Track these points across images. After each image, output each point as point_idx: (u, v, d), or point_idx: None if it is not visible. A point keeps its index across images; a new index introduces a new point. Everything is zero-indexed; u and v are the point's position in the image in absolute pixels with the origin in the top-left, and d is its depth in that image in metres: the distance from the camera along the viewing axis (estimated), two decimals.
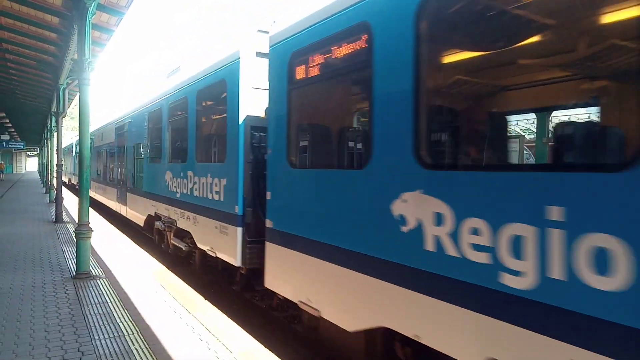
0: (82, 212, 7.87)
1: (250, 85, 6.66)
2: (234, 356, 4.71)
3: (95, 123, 23.51)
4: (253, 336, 6.08)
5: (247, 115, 6.55)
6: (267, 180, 5.75)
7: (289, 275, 5.32)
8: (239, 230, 6.49)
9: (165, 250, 10.46)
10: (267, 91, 5.95)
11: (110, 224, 16.25)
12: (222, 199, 7.01)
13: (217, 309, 7.18)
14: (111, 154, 16.80)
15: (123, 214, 14.44)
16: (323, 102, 5.66)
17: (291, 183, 5.26)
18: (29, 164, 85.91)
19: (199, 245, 7.99)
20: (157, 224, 10.51)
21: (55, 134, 16.87)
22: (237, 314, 7.03)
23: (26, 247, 10.18)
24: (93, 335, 5.12)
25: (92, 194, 20.72)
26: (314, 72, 4.90)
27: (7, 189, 30.36)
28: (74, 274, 7.76)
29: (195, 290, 8.24)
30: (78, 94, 9.84)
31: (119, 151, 15.03)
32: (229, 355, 4.72)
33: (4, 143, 38.85)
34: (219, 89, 7.43)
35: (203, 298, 7.73)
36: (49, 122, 22.89)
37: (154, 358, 4.58)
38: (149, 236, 12.17)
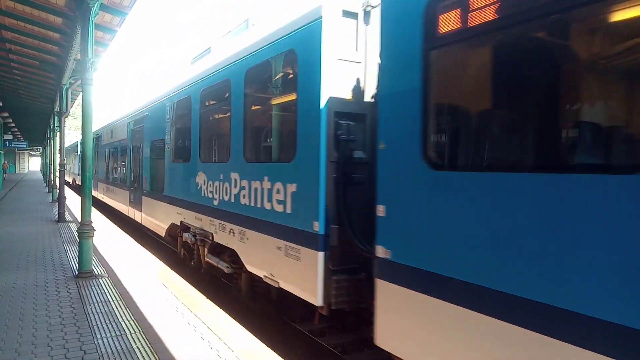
0: (85, 212, 7.90)
1: (336, 56, 4.90)
2: (236, 355, 4.73)
3: (97, 123, 23.32)
4: (255, 335, 6.10)
5: (331, 97, 4.80)
6: (378, 187, 3.99)
7: (426, 334, 3.47)
8: (320, 255, 4.76)
9: (196, 268, 8.74)
10: (359, 64, 4.90)
11: (112, 223, 16.29)
12: (289, 211, 5.31)
13: (219, 308, 7.19)
14: (123, 152, 15.17)
15: (137, 220, 12.83)
16: (502, 63, 3.37)
17: (431, 193, 3.45)
18: (32, 164, 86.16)
19: (250, 268, 6.38)
20: (186, 236, 8.70)
21: (58, 133, 16.93)
22: (239, 313, 7.05)
23: (29, 246, 10.22)
24: (95, 334, 5.14)
25: (100, 196, 19.96)
26: (482, 16, 3.16)
27: (10, 188, 30.47)
28: (77, 273, 7.80)
29: (197, 289, 8.25)
30: (81, 93, 9.86)
31: (133, 149, 13.51)
32: (231, 355, 4.73)
33: (7, 143, 38.94)
34: (283, 64, 5.79)
35: (205, 297, 7.74)
36: (51, 122, 22.95)
37: (156, 357, 4.60)
38: (172, 249, 10.69)
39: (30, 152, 72.42)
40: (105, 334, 5.15)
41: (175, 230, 9.61)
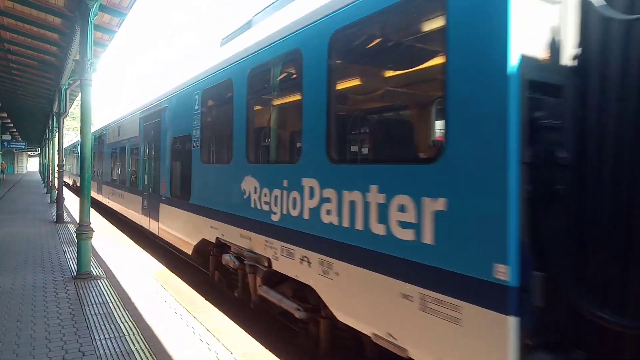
0: (83, 213, 7.88)
1: None
2: (234, 357, 4.72)
3: (100, 121, 23.05)
4: (253, 337, 6.09)
5: (524, 57, 2.92)
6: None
7: None
8: (511, 322, 2.77)
9: (240, 298, 6.97)
10: (557, 5, 3.16)
11: (111, 224, 16.27)
12: (428, 241, 3.39)
13: (217, 310, 7.18)
14: (134, 151, 13.35)
15: (152, 231, 10.85)
16: None
17: None
18: (30, 164, 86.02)
19: (343, 319, 4.36)
20: (227, 258, 6.77)
21: (57, 134, 16.90)
22: (237, 315, 7.03)
23: (27, 248, 10.19)
24: (94, 336, 5.12)
25: (104, 200, 18.32)
26: None
27: (9, 189, 30.41)
28: (75, 274, 7.78)
29: (195, 290, 8.24)
30: (80, 94, 9.85)
31: (147, 148, 11.66)
32: (230, 356, 4.72)
33: (6, 143, 38.93)
34: (422, 7, 3.82)
35: (203, 299, 7.74)
36: (50, 123, 22.92)
37: (155, 358, 4.59)
38: (204, 271, 8.97)
39: (29, 153, 72.32)
40: (104, 335, 5.14)
41: (206, 248, 7.90)
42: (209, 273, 8.08)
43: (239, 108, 6.50)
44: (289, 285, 5.49)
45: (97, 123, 22.59)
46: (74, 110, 34.39)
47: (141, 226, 12.09)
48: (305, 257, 4.86)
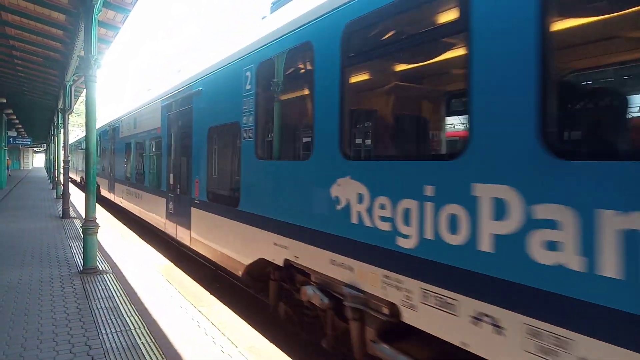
0: (89, 208, 7.94)
1: None
2: (239, 351, 4.76)
3: (109, 114, 22.78)
4: (258, 331, 6.14)
5: None
6: None
7: None
8: None
9: (315, 343, 5.45)
10: None
11: (116, 220, 16.37)
12: None
13: (222, 304, 7.24)
14: (154, 145, 11.61)
15: (182, 240, 9.09)
16: None
17: None
18: (36, 160, 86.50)
19: None
20: (310, 293, 4.95)
21: (62, 130, 16.99)
22: (242, 309, 7.08)
23: (34, 243, 10.28)
24: (100, 330, 5.18)
25: (117, 200, 16.62)
26: None
27: (15, 184, 30.62)
28: (81, 268, 7.85)
29: (200, 285, 8.30)
30: (84, 90, 9.87)
31: (173, 141, 9.89)
32: (234, 350, 4.76)
33: (11, 139, 39.08)
34: None
35: (208, 293, 7.79)
36: (55, 119, 23.04)
37: (160, 352, 4.64)
38: (261, 298, 7.26)
39: (35, 149, 72.72)
40: (110, 330, 5.19)
41: (266, 270, 6.16)
42: (269, 302, 6.21)
43: (326, 81, 4.58)
44: (426, 348, 3.74)
45: (106, 116, 21.44)
46: (79, 106, 34.51)
47: (166, 233, 10.37)
48: (486, 315, 2.96)
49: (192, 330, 5.28)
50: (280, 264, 5.44)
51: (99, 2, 7.76)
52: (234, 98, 6.71)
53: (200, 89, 8.18)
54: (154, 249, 11.57)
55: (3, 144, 26.66)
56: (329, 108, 4.53)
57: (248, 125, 6.27)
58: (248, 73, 6.36)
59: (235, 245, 6.66)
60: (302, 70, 5.55)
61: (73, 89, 15.85)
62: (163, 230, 10.49)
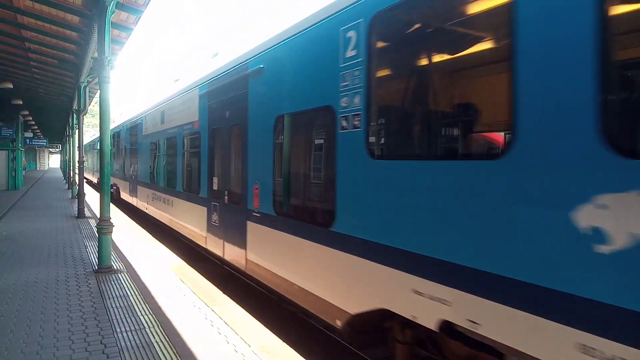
0: (104, 208, 8.03)
1: None
2: (252, 350, 4.77)
3: (120, 115, 22.39)
4: (270, 330, 6.15)
5: None
6: None
7: None
8: None
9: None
10: None
11: (131, 220, 16.53)
12: None
13: (235, 304, 7.26)
14: (191, 142, 9.77)
15: (234, 262, 7.27)
16: None
17: None
18: (52, 161, 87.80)
19: None
20: None
21: (77, 131, 17.20)
22: (255, 308, 7.10)
23: (50, 242, 10.43)
24: (115, 328, 5.23)
25: (142, 205, 14.63)
26: None
27: (31, 185, 31.11)
28: (96, 268, 7.94)
29: (213, 284, 8.34)
30: (98, 91, 9.96)
31: (218, 135, 8.07)
32: (247, 349, 4.77)
33: (28, 140, 39.70)
34: None
35: (221, 292, 7.83)
36: (70, 120, 23.33)
37: (174, 351, 4.66)
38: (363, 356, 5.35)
39: (50, 150, 73.81)
40: (125, 328, 5.24)
41: (388, 324, 4.44)
42: None
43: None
44: None
45: (126, 113, 20.39)
46: (93, 107, 34.92)
47: (207, 249, 8.50)
48: None
49: (206, 329, 5.30)
50: (433, 326, 3.51)
51: (112, 3, 7.83)
52: (321, 73, 4.94)
53: (261, 66, 6.39)
54: (168, 249, 11.66)
55: (20, 145, 27.09)
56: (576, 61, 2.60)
57: (351, 109, 4.36)
58: (351, 33, 4.45)
59: (329, 282, 4.80)
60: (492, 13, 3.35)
61: (87, 90, 16.02)
62: (203, 245, 8.64)
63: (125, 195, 18.11)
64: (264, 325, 6.31)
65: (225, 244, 7.57)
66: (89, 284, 7.08)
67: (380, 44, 4.23)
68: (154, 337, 4.99)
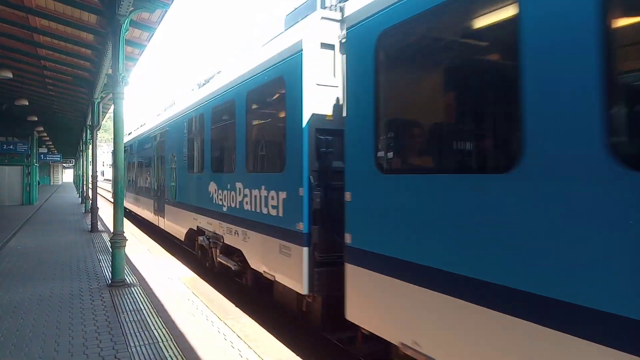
0: (117, 222, 8.10)
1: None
2: None
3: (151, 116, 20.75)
4: (284, 343, 6.12)
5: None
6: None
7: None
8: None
9: None
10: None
11: (143, 233, 16.64)
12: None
13: (248, 317, 7.25)
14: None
15: None
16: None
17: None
18: (65, 176, 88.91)
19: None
20: None
21: (90, 146, 17.43)
22: (267, 321, 7.08)
23: (64, 256, 10.53)
24: (129, 342, 5.24)
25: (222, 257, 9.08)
26: None
27: (45, 200, 31.51)
28: (110, 282, 7.98)
29: (225, 297, 8.34)
30: (112, 106, 10.11)
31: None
32: None
33: (42, 156, 40.37)
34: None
35: (234, 305, 7.82)
36: (84, 135, 23.68)
37: None
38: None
39: (64, 165, 74.78)
40: (139, 342, 5.25)
41: None
42: None
43: None
44: None
45: (157, 116, 16.49)
46: (105, 122, 35.43)
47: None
48: None
49: (219, 342, 5.29)
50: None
51: (126, 21, 7.99)
52: None
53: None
54: (180, 262, 11.70)
55: (34, 160, 27.54)
56: None
57: None
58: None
59: None
60: None
61: (101, 105, 16.30)
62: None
63: (171, 226, 12.58)
64: (278, 339, 6.27)
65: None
66: (103, 298, 7.12)
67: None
68: (168, 352, 4.99)
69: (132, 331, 5.62)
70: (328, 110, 5.67)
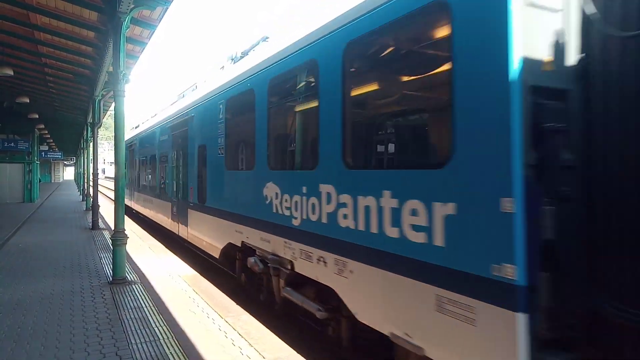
0: (118, 220, 8.11)
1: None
2: None
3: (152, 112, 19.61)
4: (284, 341, 6.12)
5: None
6: None
7: None
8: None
9: None
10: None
11: (144, 231, 16.66)
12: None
13: (248, 315, 7.25)
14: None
15: None
16: None
17: None
18: (67, 173, 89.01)
19: None
20: None
21: (91, 143, 17.43)
22: (268, 319, 7.08)
23: (65, 254, 10.54)
24: (130, 339, 5.25)
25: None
26: None
27: (46, 197, 31.54)
28: (111, 279, 8.00)
29: (226, 294, 8.35)
30: (112, 104, 10.11)
31: None
32: None
33: (43, 153, 40.38)
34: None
35: (234, 303, 7.83)
36: (85, 133, 23.70)
37: None
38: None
39: (65, 162, 74.82)
40: (139, 339, 5.26)
41: None
42: None
43: None
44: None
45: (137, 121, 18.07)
46: (106, 120, 35.43)
47: None
48: None
49: (220, 340, 5.30)
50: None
51: (127, 19, 7.99)
52: None
53: None
54: (180, 259, 11.71)
55: (36, 158, 27.55)
56: None
57: None
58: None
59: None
60: None
61: (102, 103, 16.28)
62: None
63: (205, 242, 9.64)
64: (278, 337, 6.28)
65: None
66: (104, 295, 7.13)
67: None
68: (169, 349, 5.00)
69: (133, 328, 5.63)
70: (545, 55, 3.19)
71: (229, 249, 8.15)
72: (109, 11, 8.17)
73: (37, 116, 23.38)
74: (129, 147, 20.56)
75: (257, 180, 6.77)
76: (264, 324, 6.79)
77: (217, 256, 8.84)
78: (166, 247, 13.55)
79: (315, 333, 6.63)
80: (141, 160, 17.99)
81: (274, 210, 6.19)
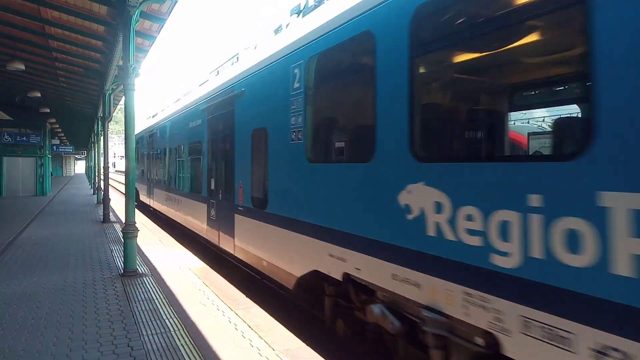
0: (129, 213, 8.18)
1: None
2: (276, 353, 4.78)
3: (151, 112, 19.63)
4: (293, 333, 6.15)
5: None
6: None
7: None
8: None
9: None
10: None
11: (154, 224, 16.79)
12: None
13: (257, 306, 7.29)
14: None
15: None
16: None
17: None
18: (78, 167, 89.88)
19: None
20: None
21: (102, 137, 17.57)
22: (277, 311, 7.12)
23: (77, 246, 10.66)
24: (141, 331, 5.31)
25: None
26: None
27: (58, 191, 31.89)
28: (122, 271, 8.08)
29: (235, 287, 8.40)
30: (123, 98, 10.14)
31: None
32: (271, 352, 4.79)
33: (55, 147, 40.82)
34: None
35: (244, 295, 7.87)
36: (95, 127, 23.88)
37: (199, 354, 4.71)
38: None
39: (76, 156, 75.56)
40: (151, 331, 5.31)
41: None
42: None
43: None
44: None
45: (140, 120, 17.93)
46: (116, 114, 35.68)
47: None
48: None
49: (230, 332, 5.34)
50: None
51: (136, 13, 8.00)
52: None
53: None
54: (190, 252, 11.80)
55: (47, 152, 27.84)
56: None
57: None
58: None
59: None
60: None
61: (112, 97, 16.38)
62: None
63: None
64: (287, 329, 6.31)
65: None
66: (115, 287, 7.21)
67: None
68: (180, 340, 5.05)
69: (144, 320, 5.69)
70: None
71: (311, 278, 5.71)
72: (119, 5, 8.18)
73: (48, 110, 23.61)
74: (148, 138, 18.50)
75: (384, 179, 4.29)
76: (273, 317, 6.83)
77: (289, 286, 6.33)
78: (176, 239, 13.65)
79: (324, 325, 6.65)
80: (162, 151, 15.73)
81: (432, 233, 3.69)
